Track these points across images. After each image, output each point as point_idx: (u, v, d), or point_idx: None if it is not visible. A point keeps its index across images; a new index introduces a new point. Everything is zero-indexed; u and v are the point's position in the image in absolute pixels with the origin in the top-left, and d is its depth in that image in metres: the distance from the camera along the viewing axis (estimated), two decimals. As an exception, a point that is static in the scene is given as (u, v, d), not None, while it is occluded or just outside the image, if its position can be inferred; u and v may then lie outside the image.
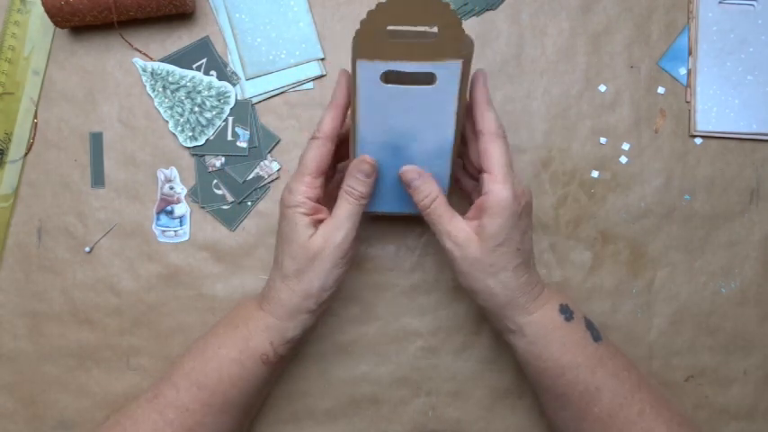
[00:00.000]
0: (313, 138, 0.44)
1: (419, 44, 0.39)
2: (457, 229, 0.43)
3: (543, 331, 0.44)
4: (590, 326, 0.45)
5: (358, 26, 0.38)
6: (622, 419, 0.42)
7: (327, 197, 0.46)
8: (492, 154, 0.43)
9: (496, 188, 0.42)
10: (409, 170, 0.45)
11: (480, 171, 0.44)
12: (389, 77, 0.41)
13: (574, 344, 0.44)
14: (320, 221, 0.44)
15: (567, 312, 0.44)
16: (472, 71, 0.43)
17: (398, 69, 0.40)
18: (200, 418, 0.44)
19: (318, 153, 0.44)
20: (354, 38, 0.39)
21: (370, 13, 0.38)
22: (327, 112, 0.45)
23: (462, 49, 0.39)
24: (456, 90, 0.41)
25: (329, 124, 0.44)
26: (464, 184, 0.50)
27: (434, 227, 0.44)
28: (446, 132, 0.43)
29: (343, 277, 0.45)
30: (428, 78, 0.40)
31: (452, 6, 0.37)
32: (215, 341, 0.46)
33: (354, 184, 0.44)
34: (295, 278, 0.44)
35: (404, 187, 0.46)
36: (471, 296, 0.45)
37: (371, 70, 0.40)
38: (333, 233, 0.43)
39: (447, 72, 0.40)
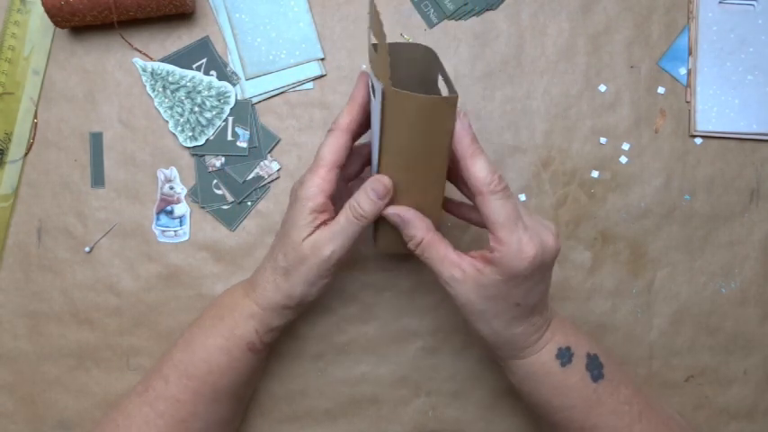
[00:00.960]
0: (329, 130, 0.43)
1: (378, 56, 0.38)
2: (449, 269, 0.40)
3: (534, 376, 0.42)
4: (591, 365, 0.42)
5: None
6: None
7: (348, 195, 0.44)
8: (488, 214, 0.38)
9: (499, 249, 0.38)
10: (391, 215, 0.41)
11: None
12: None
13: (568, 388, 0.42)
14: (322, 223, 0.42)
15: (565, 357, 0.42)
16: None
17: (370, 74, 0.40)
18: (192, 408, 0.44)
19: (335, 144, 0.42)
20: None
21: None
22: (346, 107, 0.43)
23: (386, 74, 0.37)
24: (377, 114, 0.39)
25: (345, 117, 0.42)
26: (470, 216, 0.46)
27: (428, 266, 0.42)
28: (373, 153, 0.42)
29: (330, 285, 0.44)
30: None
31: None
32: (201, 332, 0.46)
33: (361, 201, 0.41)
34: (282, 276, 0.43)
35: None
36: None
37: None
38: (324, 245, 0.42)
39: (377, 90, 0.38)
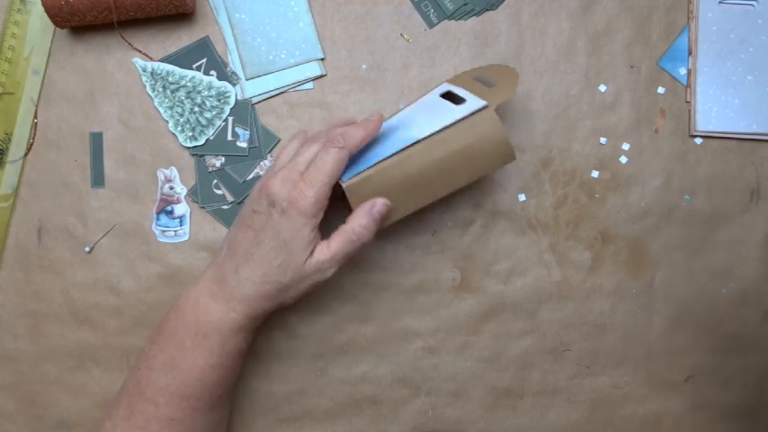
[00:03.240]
0: (338, 147, 0.43)
1: (482, 87, 0.47)
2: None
3: None
4: None
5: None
6: None
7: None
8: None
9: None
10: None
11: None
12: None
13: None
14: (316, 237, 0.44)
15: None
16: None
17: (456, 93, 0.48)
18: (190, 423, 0.44)
19: (341, 164, 0.43)
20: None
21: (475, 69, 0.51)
22: (360, 129, 0.44)
23: (492, 102, 0.45)
24: (458, 116, 0.45)
25: (358, 140, 0.43)
26: None
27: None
28: (413, 133, 0.45)
29: None
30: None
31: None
32: (185, 354, 0.44)
33: (369, 225, 0.44)
34: (278, 290, 0.44)
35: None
36: None
37: (442, 89, 0.49)
38: (328, 267, 0.44)
39: (472, 102, 0.46)
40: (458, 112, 0.45)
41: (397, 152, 0.44)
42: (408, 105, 0.50)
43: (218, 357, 0.44)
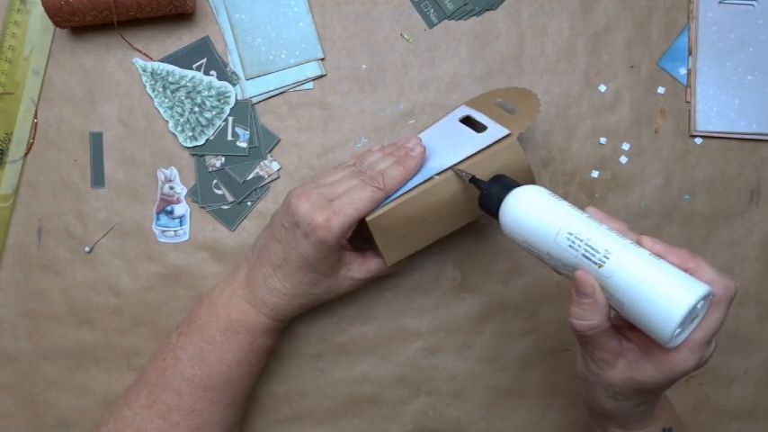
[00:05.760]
0: (377, 187, 0.43)
1: (502, 113, 0.48)
2: (607, 355, 0.37)
3: None
4: None
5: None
6: None
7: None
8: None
9: (684, 354, 0.35)
10: (583, 279, 0.36)
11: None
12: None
13: None
14: (343, 254, 0.46)
15: None
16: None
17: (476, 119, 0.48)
18: (209, 417, 0.45)
19: (373, 203, 0.43)
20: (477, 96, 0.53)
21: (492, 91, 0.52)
22: (399, 169, 0.44)
23: (514, 130, 0.45)
24: (480, 145, 0.45)
25: (397, 182, 0.44)
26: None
27: (581, 345, 0.39)
28: (436, 163, 0.45)
29: None
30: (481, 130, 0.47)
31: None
32: (214, 348, 0.45)
33: None
34: (309, 300, 0.46)
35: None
36: (581, 386, 0.42)
37: (461, 112, 0.50)
38: (362, 282, 0.47)
39: (494, 130, 0.46)
40: (480, 140, 0.45)
41: (420, 184, 0.45)
42: (427, 129, 0.50)
43: (246, 353, 0.46)
